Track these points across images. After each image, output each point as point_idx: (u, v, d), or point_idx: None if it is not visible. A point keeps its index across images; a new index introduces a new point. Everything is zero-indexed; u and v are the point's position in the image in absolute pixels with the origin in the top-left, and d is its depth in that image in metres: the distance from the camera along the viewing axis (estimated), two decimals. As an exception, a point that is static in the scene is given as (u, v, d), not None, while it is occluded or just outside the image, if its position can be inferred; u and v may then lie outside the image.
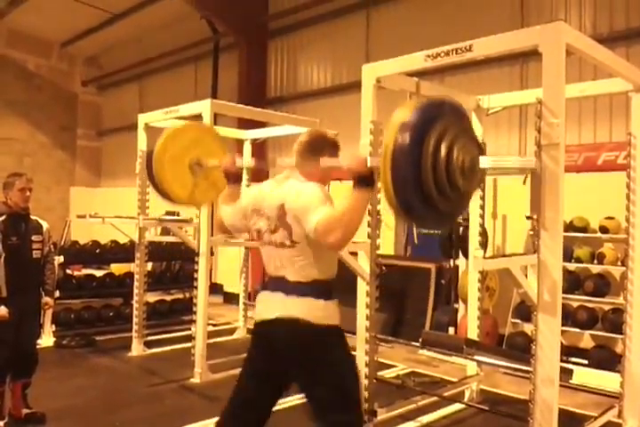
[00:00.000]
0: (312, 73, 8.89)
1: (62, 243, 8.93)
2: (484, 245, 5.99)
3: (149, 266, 8.81)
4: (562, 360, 5.21)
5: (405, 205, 2.01)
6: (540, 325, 2.90)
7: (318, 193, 2.28)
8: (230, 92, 9.40)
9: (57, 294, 6.35)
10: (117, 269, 7.90)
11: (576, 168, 6.01)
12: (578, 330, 5.58)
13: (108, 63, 13.35)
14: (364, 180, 2.13)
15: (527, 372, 3.03)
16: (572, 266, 5.80)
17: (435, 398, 4.33)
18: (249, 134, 6.44)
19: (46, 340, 6.27)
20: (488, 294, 6.07)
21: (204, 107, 4.91)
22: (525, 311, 5.80)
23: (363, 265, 3.67)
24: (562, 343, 5.59)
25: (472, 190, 2.21)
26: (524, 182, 6.18)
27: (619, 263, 5.43)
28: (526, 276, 2.99)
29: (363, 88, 3.66)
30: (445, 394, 4.41)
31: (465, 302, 5.47)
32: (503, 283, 6.11)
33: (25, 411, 4.00)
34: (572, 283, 5.64)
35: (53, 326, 6.46)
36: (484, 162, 2.13)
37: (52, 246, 4.30)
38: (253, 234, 2.54)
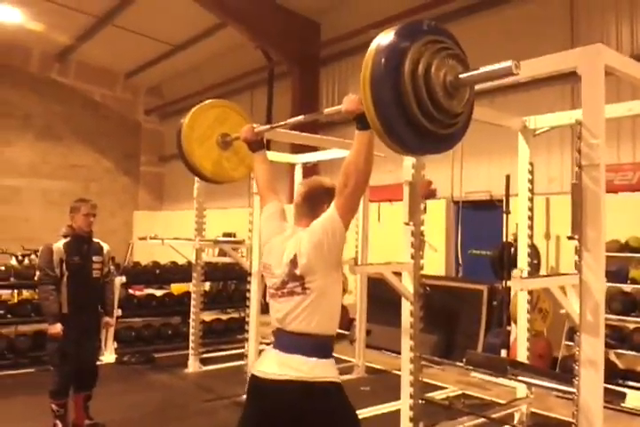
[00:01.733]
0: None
1: (125, 264, 9.33)
2: (536, 265, 5.94)
3: (207, 286, 9.12)
4: (617, 384, 5.13)
5: (389, 129, 1.93)
6: (584, 345, 2.88)
7: (322, 217, 2.26)
8: (284, 117, 9.68)
9: (119, 312, 6.73)
10: (176, 288, 8.21)
11: (631, 187, 5.90)
12: (634, 353, 5.38)
13: (170, 92, 14.01)
14: (363, 120, 2.05)
15: (572, 393, 2.99)
16: (627, 287, 5.66)
17: (483, 420, 4.29)
18: (300, 159, 6.64)
19: (108, 356, 6.58)
20: (541, 316, 5.98)
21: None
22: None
23: (407, 285, 3.74)
24: (617, 367, 5.50)
25: (461, 111, 2.06)
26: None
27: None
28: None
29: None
30: (494, 416, 4.36)
31: (517, 323, 5.42)
32: (557, 305, 6.00)
33: (87, 422, 4.24)
34: (628, 304, 5.50)
35: (115, 343, 6.76)
36: (464, 75, 1.96)
37: (111, 267, 4.56)
38: (268, 283, 2.41)
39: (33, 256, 8.18)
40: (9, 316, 6.30)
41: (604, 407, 4.48)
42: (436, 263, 7.45)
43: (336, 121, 9.38)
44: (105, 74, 13.48)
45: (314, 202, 2.39)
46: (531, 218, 4.65)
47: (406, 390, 3.76)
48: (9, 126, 12.38)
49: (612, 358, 5.70)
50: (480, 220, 7.42)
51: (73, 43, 11.97)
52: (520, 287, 2.66)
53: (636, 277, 5.54)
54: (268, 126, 2.96)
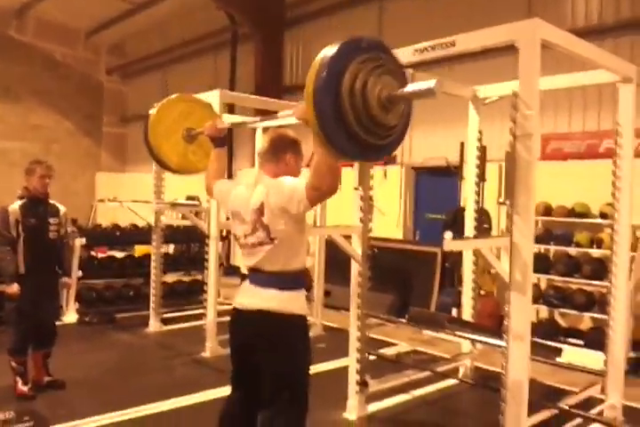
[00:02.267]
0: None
1: (86, 226, 9.31)
2: (487, 229, 6.18)
3: (171, 248, 9.21)
4: (559, 341, 5.46)
5: (329, 136, 2.08)
6: (513, 302, 3.10)
7: (296, 180, 2.48)
8: (248, 80, 9.64)
9: (80, 273, 6.80)
10: (140, 251, 8.28)
11: (579, 155, 6.13)
12: (576, 312, 5.71)
13: (132, 52, 13.71)
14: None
15: (502, 347, 3.23)
16: (572, 250, 5.95)
17: (428, 374, 4.56)
18: (259, 123, 6.67)
19: (70, 316, 6.68)
20: (491, 277, 6.27)
21: (213, 97, 5.16)
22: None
23: (355, 247, 3.91)
24: (560, 325, 5.84)
25: (395, 124, 2.22)
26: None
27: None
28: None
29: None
30: (439, 370, 4.64)
31: (465, 284, 5.68)
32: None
33: (47, 379, 4.38)
34: (572, 267, 5.79)
35: (77, 303, 6.85)
36: (394, 93, 2.10)
37: (68, 229, 4.62)
38: (233, 235, 2.72)
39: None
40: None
41: (542, 362, 4.83)
42: (393, 227, 7.66)
43: (300, 85, 9.38)
44: (65, 32, 13.07)
45: (277, 149, 2.65)
46: (478, 184, 4.85)
47: (354, 345, 3.98)
48: (-36, 85, 12.02)
49: (557, 317, 6.04)
50: (437, 186, 7.62)
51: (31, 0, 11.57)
52: (450, 248, 2.82)
53: (581, 241, 5.83)
54: (228, 124, 3.15)
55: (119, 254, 7.96)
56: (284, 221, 2.50)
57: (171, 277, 8.02)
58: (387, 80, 2.11)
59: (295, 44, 9.64)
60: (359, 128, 2.07)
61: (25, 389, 4.17)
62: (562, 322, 6.06)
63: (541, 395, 4.06)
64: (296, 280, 2.61)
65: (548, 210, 6.04)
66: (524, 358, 3.12)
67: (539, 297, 5.90)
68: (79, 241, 6.87)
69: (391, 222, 7.74)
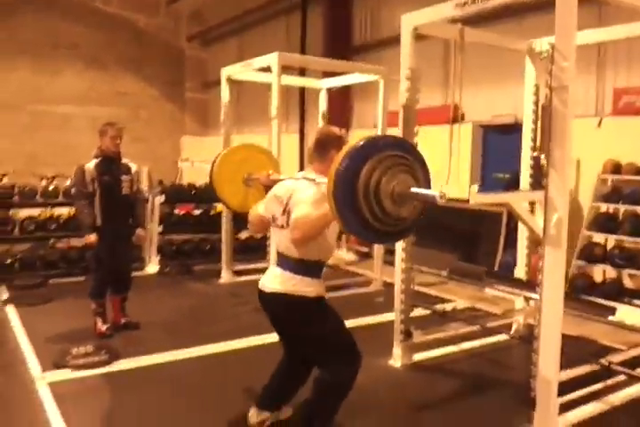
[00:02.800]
0: (394, 19, 8.94)
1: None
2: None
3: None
4: (622, 301, 5.33)
5: (347, 225, 2.34)
6: (547, 257, 3.12)
7: (311, 195, 2.70)
8: (318, 43, 9.69)
9: (160, 229, 7.35)
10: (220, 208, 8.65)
11: None
12: (640, 273, 5.52)
13: (211, 18, 14.02)
14: None
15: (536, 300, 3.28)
16: (642, 210, 5.71)
17: (480, 329, 4.65)
18: (323, 83, 6.80)
19: (151, 268, 7.28)
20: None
21: (272, 59, 5.34)
22: (590, 253, 5.87)
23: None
24: (624, 285, 5.66)
25: (407, 216, 2.42)
26: (599, 125, 6.13)
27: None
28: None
29: (402, 36, 3.90)
30: (489, 325, 4.73)
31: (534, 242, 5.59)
32: (572, 226, 6.14)
33: (123, 320, 4.89)
34: (639, 226, 5.57)
35: (158, 256, 7.44)
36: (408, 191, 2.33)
37: (140, 185, 5.02)
38: (271, 218, 2.95)
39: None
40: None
41: (593, 320, 4.79)
42: (460, 187, 7.60)
43: (368, 44, 9.34)
44: (147, 1, 13.61)
45: (323, 147, 2.87)
46: (535, 140, 4.75)
47: (398, 296, 4.15)
48: (58, 56, 12.84)
49: (625, 278, 5.85)
50: (505, 144, 7.44)
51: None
52: (475, 201, 2.89)
53: (652, 201, 5.59)
54: (279, 176, 3.44)
55: (197, 212, 8.47)
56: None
57: (246, 234, 8.46)
58: (402, 177, 2.33)
59: (363, 2, 9.53)
60: (372, 218, 2.31)
61: (104, 328, 4.69)
62: (629, 283, 5.89)
63: (589, 352, 4.07)
64: (312, 268, 2.81)
65: (616, 167, 5.82)
66: (558, 311, 3.15)
67: (603, 257, 5.77)
68: (158, 199, 7.40)
69: (462, 182, 7.68)
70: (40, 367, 4.03)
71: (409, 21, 3.84)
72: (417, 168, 2.43)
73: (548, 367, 3.14)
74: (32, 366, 4.09)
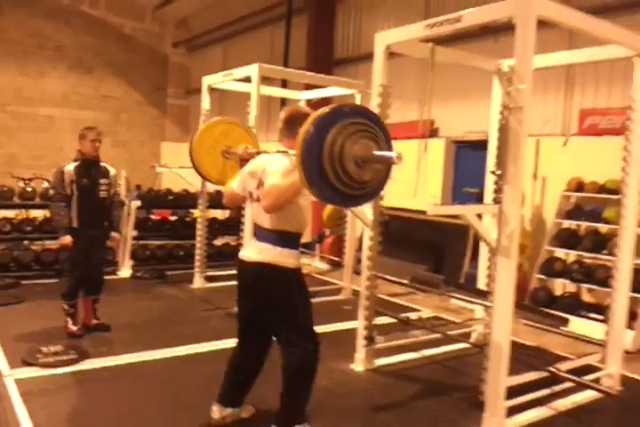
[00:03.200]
0: (374, 35, 9.18)
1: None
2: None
3: (227, 213, 9.65)
4: (578, 314, 5.52)
5: (313, 187, 2.48)
6: (499, 266, 3.31)
7: (282, 166, 2.87)
8: (301, 54, 9.90)
9: (135, 233, 7.42)
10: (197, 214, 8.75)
11: (615, 131, 6.06)
12: (597, 287, 5.71)
13: (196, 26, 14.21)
14: None
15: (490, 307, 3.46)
16: (603, 227, 5.94)
17: (441, 337, 4.80)
18: (302, 95, 6.98)
19: (124, 272, 7.36)
20: (519, 250, 6.34)
21: (252, 70, 5.51)
22: (551, 267, 6.09)
23: (367, 214, 4.20)
24: (582, 299, 5.87)
25: (370, 179, 2.58)
26: (565, 144, 6.39)
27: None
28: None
29: (375, 54, 4.09)
30: (450, 333, 4.89)
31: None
32: (536, 241, 6.37)
33: (94, 321, 4.96)
34: (599, 243, 5.80)
35: (132, 260, 7.51)
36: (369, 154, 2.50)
37: (117, 189, 5.12)
38: (247, 194, 3.10)
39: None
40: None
41: (544, 329, 4.97)
42: (432, 201, 7.79)
43: (350, 58, 9.56)
44: (134, 7, 13.71)
45: (292, 125, 2.96)
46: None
47: (363, 303, 4.29)
48: (44, 57, 12.87)
49: (584, 292, 6.06)
50: (477, 159, 7.67)
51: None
52: (433, 213, 3.05)
53: (609, 218, 5.81)
54: (255, 151, 3.51)
55: (173, 218, 8.55)
56: None
57: (221, 241, 8.57)
58: (364, 142, 2.50)
59: (346, 18, 9.77)
60: (337, 181, 2.47)
61: (74, 328, 4.76)
62: (588, 297, 6.10)
63: (543, 361, 4.24)
64: (289, 239, 2.98)
65: (580, 185, 6.06)
66: (508, 318, 3.33)
67: (563, 272, 5.99)
68: (135, 203, 7.48)
69: (432, 196, 7.88)
70: (8, 365, 4.09)
71: (382, 40, 4.03)
72: (379, 136, 2.58)
73: (497, 372, 3.31)
74: (0, 363, 4.14)
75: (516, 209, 3.24)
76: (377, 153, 2.50)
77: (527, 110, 3.16)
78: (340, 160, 2.43)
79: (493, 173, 3.28)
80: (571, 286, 6.06)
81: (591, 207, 5.97)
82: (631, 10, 5.96)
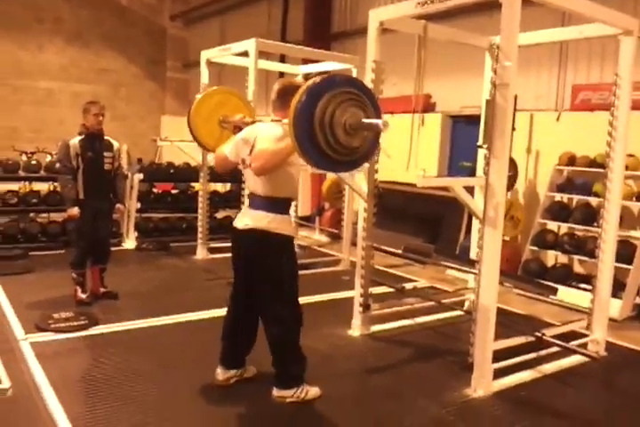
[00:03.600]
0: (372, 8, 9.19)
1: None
2: (511, 177, 6.42)
3: (228, 186, 9.81)
4: (569, 285, 5.73)
5: (304, 153, 2.63)
6: (486, 236, 3.50)
7: (274, 133, 3.02)
8: (298, 28, 9.91)
9: (138, 206, 7.60)
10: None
11: (606, 106, 6.17)
12: (587, 258, 5.90)
13: (194, -3, 14.13)
14: None
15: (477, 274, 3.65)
16: (593, 200, 6.10)
17: (435, 305, 5.03)
18: (300, 69, 7.07)
19: (129, 243, 7.56)
20: (512, 223, 6.54)
21: (249, 45, 5.61)
22: (543, 239, 6.28)
23: (362, 186, 4.37)
24: (574, 272, 6.07)
25: (359, 145, 2.72)
26: (558, 119, 6.52)
27: (633, 199, 5.71)
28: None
29: (369, 31, 4.20)
30: (443, 301, 5.11)
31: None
32: (530, 214, 6.55)
33: (102, 290, 5.18)
34: (590, 216, 5.97)
35: (136, 232, 7.71)
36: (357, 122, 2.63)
37: (121, 162, 5.28)
38: (241, 161, 3.24)
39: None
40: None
41: (532, 298, 5.18)
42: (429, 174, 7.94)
43: (347, 32, 9.57)
44: (131, -22, 13.68)
45: (285, 97, 3.05)
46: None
47: (359, 272, 4.50)
48: (41, 31, 12.87)
49: (575, 264, 6.25)
50: (473, 134, 7.79)
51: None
52: (422, 184, 3.22)
53: (598, 191, 5.96)
54: (251, 120, 3.67)
55: (174, 191, 8.73)
56: None
57: (222, 214, 8.75)
58: (353, 111, 2.64)
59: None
60: (327, 147, 2.61)
61: (83, 296, 4.98)
62: (580, 269, 6.31)
63: (532, 328, 4.46)
64: (281, 206, 3.15)
65: (571, 159, 6.21)
66: (494, 285, 3.54)
67: (554, 243, 6.18)
68: (137, 176, 7.64)
69: (428, 170, 8.02)
70: (23, 330, 4.31)
71: (375, 17, 4.14)
72: (368, 105, 2.73)
73: (484, 336, 3.53)
74: (15, 328, 4.37)
75: (502, 182, 3.40)
76: (365, 120, 2.64)
77: (513, 87, 3.30)
78: (331, 127, 2.57)
79: (480, 146, 3.42)
80: (563, 258, 6.26)
81: (582, 181, 6.13)
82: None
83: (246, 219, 3.17)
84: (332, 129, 2.58)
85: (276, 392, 3.29)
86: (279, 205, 3.15)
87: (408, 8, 3.86)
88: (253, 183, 3.16)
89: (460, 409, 3.36)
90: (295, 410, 3.24)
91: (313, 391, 3.32)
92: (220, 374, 3.47)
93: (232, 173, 4.44)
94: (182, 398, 3.34)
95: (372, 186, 4.33)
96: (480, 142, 3.47)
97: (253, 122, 3.49)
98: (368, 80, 4.18)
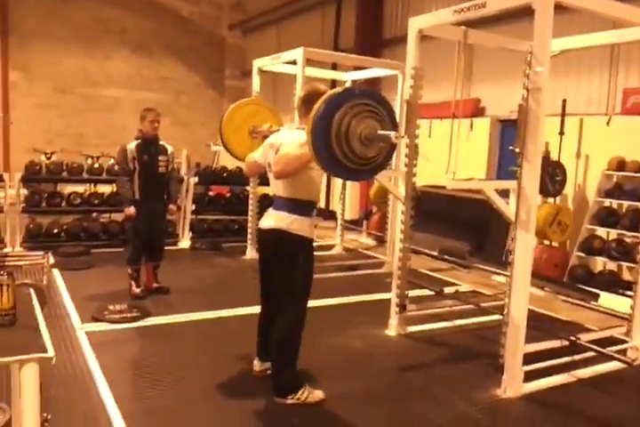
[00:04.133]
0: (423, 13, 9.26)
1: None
2: (560, 181, 6.37)
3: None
4: (616, 291, 5.64)
5: (321, 162, 2.77)
6: (518, 239, 3.55)
7: (297, 140, 3.14)
8: (351, 34, 10.09)
9: (193, 207, 7.96)
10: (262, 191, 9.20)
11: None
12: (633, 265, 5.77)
13: (251, 8, 14.54)
14: None
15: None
16: (643, 206, 5.97)
17: (474, 308, 5.06)
18: (347, 76, 7.24)
19: (184, 243, 7.93)
20: (560, 228, 6.46)
21: (297, 54, 5.82)
22: (590, 245, 6.19)
23: (400, 189, 4.48)
24: (621, 277, 5.95)
25: (373, 155, 2.82)
26: (608, 123, 6.42)
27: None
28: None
29: (408, 38, 4.32)
30: (483, 305, 5.14)
31: (537, 234, 5.91)
32: (578, 220, 6.46)
33: (155, 285, 5.50)
34: (638, 222, 5.84)
35: (190, 233, 8.07)
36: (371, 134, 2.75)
37: (175, 165, 5.59)
38: (267, 165, 3.38)
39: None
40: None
41: (571, 303, 5.11)
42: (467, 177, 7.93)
43: (398, 37, 9.65)
44: (191, -11, 14.26)
45: (309, 104, 3.06)
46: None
47: (396, 273, 4.61)
48: (108, 41, 13.61)
49: (624, 270, 6.12)
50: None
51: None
52: (451, 186, 3.31)
53: (648, 197, 5.86)
54: (279, 128, 3.80)
55: (228, 194, 9.05)
56: None
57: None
58: (369, 122, 2.76)
59: (394, 1, 9.87)
60: (342, 156, 2.75)
61: (137, 291, 5.31)
62: (629, 276, 6.17)
63: (568, 332, 4.43)
64: (302, 207, 3.27)
65: (621, 164, 6.10)
66: (526, 288, 3.58)
67: (602, 250, 6.08)
68: (193, 180, 8.01)
69: (477, 174, 8.01)
70: (80, 320, 4.66)
71: (415, 24, 4.26)
72: (385, 117, 2.84)
73: (515, 337, 3.57)
74: (73, 318, 4.72)
75: (535, 185, 3.45)
76: (379, 132, 2.76)
77: (545, 92, 3.35)
78: (346, 138, 2.70)
79: (513, 150, 3.48)
80: (611, 265, 6.15)
81: (631, 186, 6.01)
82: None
83: (270, 220, 3.31)
84: (348, 140, 2.69)
85: (275, 399, 3.38)
86: (300, 206, 3.26)
87: (446, 15, 3.97)
88: (276, 185, 3.30)
89: (487, 409, 3.41)
90: (327, 405, 3.36)
91: (315, 394, 3.38)
92: (257, 365, 3.66)
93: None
94: (223, 386, 3.55)
95: (410, 189, 4.44)
96: (513, 146, 3.50)
97: (279, 130, 3.68)
98: (407, 86, 4.30)
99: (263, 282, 3.53)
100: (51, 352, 1.72)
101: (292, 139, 3.22)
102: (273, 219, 3.30)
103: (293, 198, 3.25)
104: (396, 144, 2.79)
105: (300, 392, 3.33)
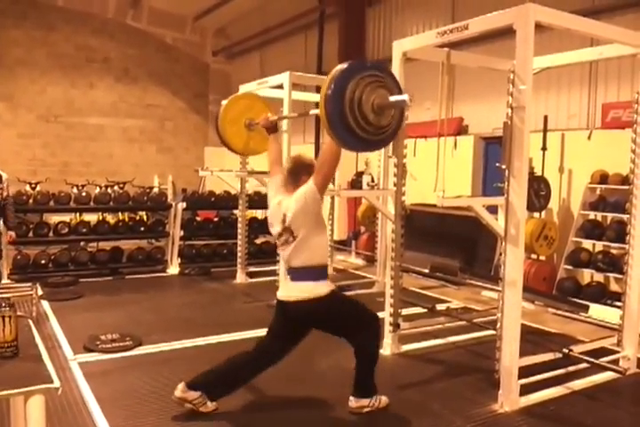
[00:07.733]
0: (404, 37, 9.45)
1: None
2: (544, 195, 6.47)
3: (266, 213, 10.12)
4: (605, 303, 5.71)
5: (335, 134, 2.84)
6: (508, 253, 3.59)
7: (301, 189, 3.19)
8: (334, 57, 10.24)
9: (181, 233, 7.94)
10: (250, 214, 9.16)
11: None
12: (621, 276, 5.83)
13: (234, 34, 14.74)
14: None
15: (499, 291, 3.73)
16: (626, 217, 6.05)
17: (466, 324, 5.08)
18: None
19: (173, 269, 7.89)
20: (547, 242, 6.54)
21: (284, 78, 5.91)
22: (577, 258, 6.26)
23: (390, 208, 4.52)
24: (610, 290, 6.02)
25: (387, 124, 2.96)
26: (589, 138, 6.56)
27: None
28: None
29: (393, 60, 4.42)
30: (475, 320, 5.16)
31: (525, 249, 5.96)
32: (564, 233, 6.54)
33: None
34: (623, 233, 5.90)
35: (179, 259, 8.03)
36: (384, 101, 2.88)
37: (9, 193, 5.74)
38: (276, 235, 3.33)
39: (116, 187, 9.55)
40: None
41: (560, 315, 5.15)
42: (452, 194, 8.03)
43: (380, 60, 9.84)
44: (175, 18, 14.32)
45: (296, 175, 3.28)
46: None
47: (388, 292, 4.62)
48: (92, 70, 13.66)
49: (611, 282, 6.19)
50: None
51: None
52: (441, 204, 3.36)
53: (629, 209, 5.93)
54: (276, 117, 3.92)
55: (216, 219, 9.05)
56: (302, 222, 3.19)
57: (261, 240, 9.01)
58: (381, 92, 2.88)
59: (377, 22, 10.08)
60: (356, 126, 2.85)
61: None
62: (616, 287, 6.23)
63: (560, 345, 4.46)
64: (320, 273, 3.30)
65: (604, 177, 6.21)
66: (518, 302, 3.61)
67: (589, 262, 6.15)
68: (181, 205, 8.01)
69: (462, 192, 8.10)
70: (72, 351, 4.59)
71: (399, 47, 4.36)
72: (391, 86, 2.98)
73: (509, 351, 3.59)
74: (65, 349, 4.65)
75: (522, 200, 3.51)
76: (392, 98, 2.86)
77: (528, 110, 3.43)
78: (360, 108, 2.80)
79: (499, 167, 3.55)
80: (598, 276, 6.21)
81: (615, 199, 6.11)
82: (626, 10, 6.16)
83: (291, 291, 3.30)
84: (361, 110, 2.80)
85: (354, 403, 3.47)
86: (317, 273, 3.28)
87: (429, 38, 4.07)
88: (290, 257, 3.27)
89: (485, 424, 3.42)
90: (325, 424, 3.38)
91: (384, 400, 3.56)
92: (180, 390, 3.48)
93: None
94: (220, 415, 3.51)
95: (400, 208, 4.48)
96: (500, 163, 3.57)
97: (279, 118, 3.74)
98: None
99: (278, 333, 3.47)
100: (56, 382, 1.71)
101: (298, 196, 3.19)
102: (294, 290, 3.29)
103: (314, 266, 3.26)
104: (409, 108, 2.96)
105: (375, 398, 3.50)
